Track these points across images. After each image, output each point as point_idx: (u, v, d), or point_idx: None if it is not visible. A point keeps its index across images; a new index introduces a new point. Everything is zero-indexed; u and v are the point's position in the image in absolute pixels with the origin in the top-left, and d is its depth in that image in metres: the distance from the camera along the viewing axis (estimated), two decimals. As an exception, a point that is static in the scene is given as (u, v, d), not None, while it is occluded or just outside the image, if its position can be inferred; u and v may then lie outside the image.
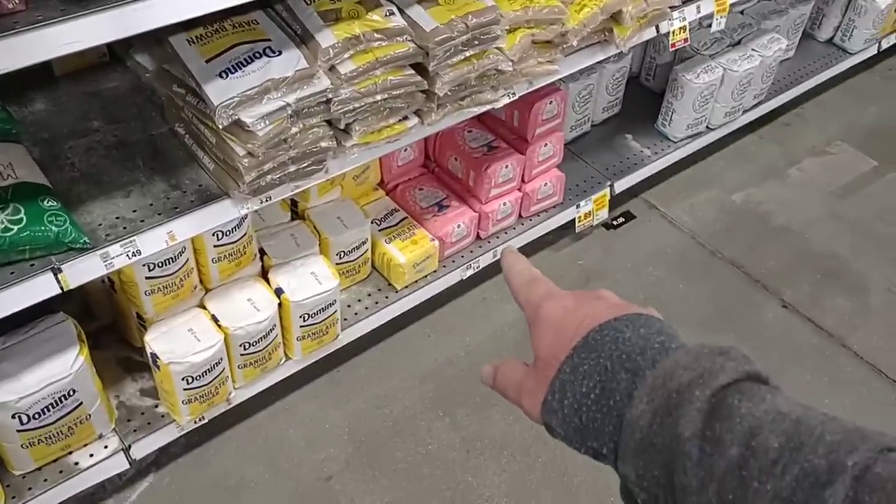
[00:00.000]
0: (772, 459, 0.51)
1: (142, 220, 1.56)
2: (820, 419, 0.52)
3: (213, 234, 1.78)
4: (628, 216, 2.82)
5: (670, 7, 2.15)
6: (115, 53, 1.93)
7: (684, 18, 2.25)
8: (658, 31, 2.21)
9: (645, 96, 3.00)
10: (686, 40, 2.30)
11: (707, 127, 2.86)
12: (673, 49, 2.40)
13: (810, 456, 0.50)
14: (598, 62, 2.21)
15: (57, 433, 1.70)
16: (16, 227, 1.40)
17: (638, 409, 0.56)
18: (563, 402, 0.61)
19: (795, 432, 0.51)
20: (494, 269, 2.49)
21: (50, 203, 1.47)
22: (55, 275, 1.44)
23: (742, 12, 3.02)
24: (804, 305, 2.55)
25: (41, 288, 1.44)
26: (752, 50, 2.80)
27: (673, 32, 2.25)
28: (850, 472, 0.48)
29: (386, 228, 2.24)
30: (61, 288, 1.45)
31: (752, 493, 0.51)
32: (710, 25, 2.42)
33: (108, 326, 2.03)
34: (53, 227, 1.43)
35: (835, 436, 0.51)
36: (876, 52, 3.40)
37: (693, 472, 0.53)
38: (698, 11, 2.28)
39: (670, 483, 0.54)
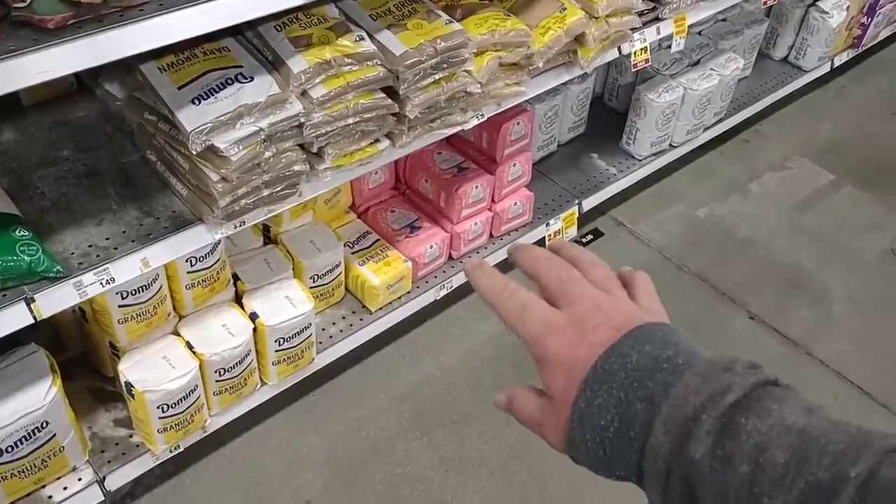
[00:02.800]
0: (779, 475, 0.52)
1: (115, 248, 1.55)
2: (824, 428, 0.54)
3: (187, 261, 1.78)
4: (597, 233, 2.86)
5: (631, 29, 2.21)
6: (83, 82, 1.93)
7: (645, 40, 2.31)
8: (620, 53, 2.27)
9: (609, 116, 3.06)
10: (647, 61, 2.36)
11: (670, 145, 2.93)
12: (635, 70, 2.46)
13: (814, 469, 0.52)
14: (563, 83, 2.26)
15: (30, 466, 1.67)
16: (-13, 258, 1.39)
17: (656, 439, 0.58)
18: (585, 436, 0.61)
19: (801, 445, 0.53)
20: (467, 288, 2.51)
21: (21, 232, 1.46)
22: (28, 304, 1.43)
23: (700, 33, 3.11)
24: (770, 316, 2.61)
25: (14, 318, 1.42)
26: (711, 69, 2.88)
27: (634, 53, 2.31)
28: (854, 483, 0.50)
29: (359, 251, 2.26)
30: (34, 318, 1.44)
31: None
32: (669, 46, 2.49)
33: (79, 357, 2.01)
34: (25, 257, 1.42)
35: (838, 445, 0.52)
36: (829, 69, 3.51)
37: (708, 492, 0.55)
38: (658, 33, 2.35)
39: None
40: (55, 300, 1.46)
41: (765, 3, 2.86)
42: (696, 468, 0.55)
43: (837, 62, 3.53)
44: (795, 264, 2.81)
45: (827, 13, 3.28)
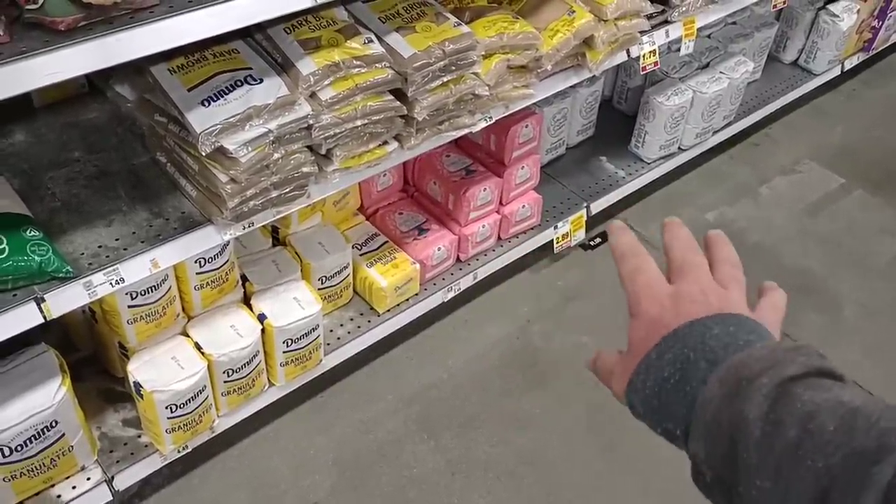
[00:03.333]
0: (825, 440, 0.54)
1: (124, 249, 1.56)
2: (880, 407, 0.56)
3: (196, 262, 1.78)
4: (605, 237, 2.85)
5: (640, 32, 2.21)
6: (94, 84, 1.94)
7: (654, 43, 2.31)
8: (629, 55, 2.27)
9: (618, 119, 3.06)
10: (656, 64, 2.36)
11: (679, 148, 2.92)
12: (644, 72, 2.46)
13: (862, 438, 0.53)
14: (571, 86, 2.26)
15: (39, 465, 1.68)
16: (-2, 258, 1.40)
17: (710, 392, 0.61)
18: (646, 383, 0.66)
19: (852, 417, 0.55)
20: (475, 290, 2.51)
21: (32, 233, 1.47)
22: (38, 304, 1.44)
23: (709, 36, 3.10)
24: (779, 320, 2.59)
25: (24, 318, 1.43)
26: (720, 73, 2.87)
27: (643, 56, 2.31)
28: None
29: (367, 253, 2.26)
30: (45, 317, 1.45)
31: (804, 470, 0.54)
32: (678, 49, 2.48)
33: (88, 357, 2.02)
34: (36, 257, 1.43)
35: (890, 423, 0.54)
36: (839, 72, 3.50)
37: (754, 451, 0.57)
38: (667, 36, 2.34)
39: (734, 461, 0.58)
40: (65, 300, 1.47)
41: (775, 6, 2.85)
42: (747, 427, 0.57)
43: (848, 66, 3.51)
44: (805, 269, 2.80)
45: (837, 16, 3.27)
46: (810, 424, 0.55)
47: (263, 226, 1.78)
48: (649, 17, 2.22)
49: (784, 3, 2.84)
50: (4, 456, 1.61)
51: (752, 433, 0.57)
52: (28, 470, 1.67)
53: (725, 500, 0.60)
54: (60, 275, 1.46)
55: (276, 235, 2.15)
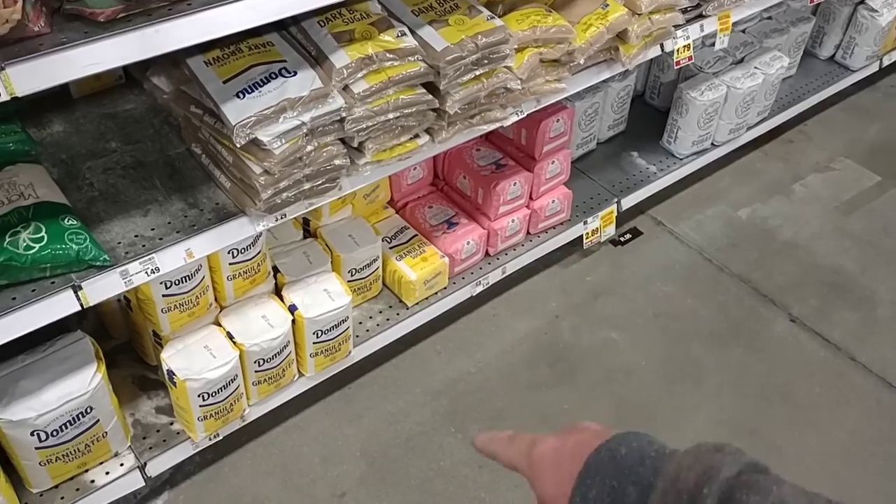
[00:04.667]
0: None
1: (160, 238, 1.58)
2: None
3: (229, 252, 1.80)
4: (635, 232, 2.84)
5: (674, 26, 2.19)
6: (131, 75, 1.97)
7: (688, 37, 2.28)
8: (663, 50, 2.25)
9: (650, 114, 3.03)
10: (690, 58, 2.34)
11: (712, 144, 2.89)
12: (677, 67, 2.44)
13: None
14: (603, 80, 2.25)
15: (74, 451, 1.71)
16: (37, 246, 1.42)
17: None
18: None
19: None
20: (504, 285, 2.51)
21: (70, 222, 1.49)
22: (75, 292, 1.46)
23: (744, 31, 3.06)
24: (812, 319, 2.56)
25: (62, 305, 1.46)
26: (755, 68, 2.83)
27: (677, 51, 2.29)
28: None
29: (396, 246, 2.27)
30: (81, 305, 1.48)
31: None
32: (713, 44, 2.46)
33: (123, 345, 2.05)
34: (74, 245, 1.45)
35: None
36: (878, 69, 3.43)
37: None
38: (702, 30, 2.32)
39: None
40: (101, 288, 1.50)
41: (812, 0, 2.81)
42: None
43: (886, 62, 3.45)
44: (839, 267, 2.76)
45: (876, 11, 3.21)
46: None
47: (295, 218, 1.79)
48: (684, 11, 2.20)
49: (821, -3, 2.80)
50: (41, 440, 1.64)
51: None
52: (63, 455, 1.70)
53: None
54: (97, 263, 1.48)
55: (308, 227, 2.17)
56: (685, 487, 0.58)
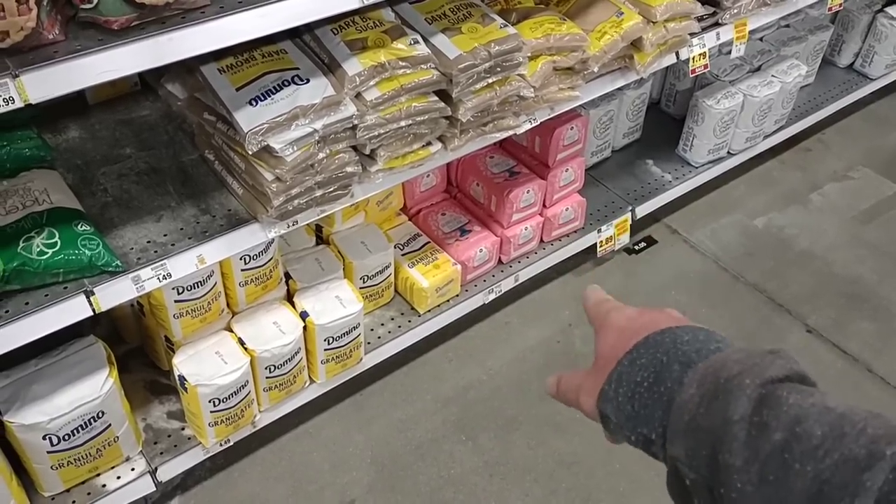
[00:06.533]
0: (814, 445, 0.54)
1: (172, 244, 1.59)
2: (864, 415, 0.55)
3: (241, 259, 1.81)
4: (650, 241, 2.82)
5: (690, 34, 2.18)
6: (147, 82, 1.98)
7: (704, 45, 2.27)
8: (678, 58, 2.23)
9: (665, 122, 3.01)
10: (706, 66, 2.32)
11: (728, 152, 2.87)
12: (693, 75, 2.42)
13: (851, 444, 0.53)
14: (618, 88, 2.23)
15: (85, 455, 1.72)
16: (50, 251, 1.43)
17: (688, 392, 0.61)
18: (619, 390, 0.66)
19: (839, 423, 0.55)
20: (516, 293, 2.50)
21: (83, 227, 1.50)
22: (88, 297, 1.47)
23: (761, 39, 3.04)
24: (828, 330, 2.53)
25: (74, 310, 1.47)
26: (772, 76, 2.81)
27: (693, 59, 2.27)
28: (890, 461, 0.51)
29: (409, 253, 2.27)
30: (94, 310, 1.49)
31: (792, 474, 0.54)
32: (729, 52, 2.44)
33: (136, 350, 2.06)
34: (87, 251, 1.46)
35: (877, 430, 0.54)
36: (897, 77, 3.40)
37: (738, 453, 0.56)
38: (718, 38, 2.30)
39: (715, 462, 0.57)
40: (114, 293, 1.51)
41: (830, 8, 2.78)
42: (730, 429, 0.57)
43: (906, 70, 3.41)
44: (856, 277, 2.73)
45: (895, 19, 3.18)
46: (797, 428, 0.55)
47: (307, 224, 1.80)
48: (700, 18, 2.18)
49: (840, 5, 2.77)
50: (53, 444, 1.65)
51: (735, 435, 0.56)
52: (75, 459, 1.71)
53: (708, 502, 0.59)
54: (110, 269, 1.49)
55: (320, 234, 2.17)
56: (726, 374, 0.59)
